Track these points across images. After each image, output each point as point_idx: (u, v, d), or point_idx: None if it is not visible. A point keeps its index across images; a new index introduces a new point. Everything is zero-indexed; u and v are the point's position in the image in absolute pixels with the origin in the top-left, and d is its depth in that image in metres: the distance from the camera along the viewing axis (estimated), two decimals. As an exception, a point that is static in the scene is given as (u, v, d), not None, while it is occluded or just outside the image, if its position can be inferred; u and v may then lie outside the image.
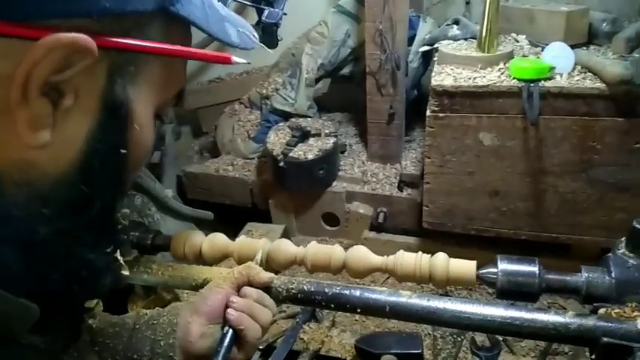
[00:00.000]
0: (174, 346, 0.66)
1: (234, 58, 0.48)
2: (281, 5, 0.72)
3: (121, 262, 0.56)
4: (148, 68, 0.47)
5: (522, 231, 1.46)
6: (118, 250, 0.56)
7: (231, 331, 0.65)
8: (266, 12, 0.74)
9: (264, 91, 2.10)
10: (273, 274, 0.75)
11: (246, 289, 0.69)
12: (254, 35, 0.55)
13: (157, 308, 0.75)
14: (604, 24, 1.39)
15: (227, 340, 0.64)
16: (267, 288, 0.73)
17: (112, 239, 0.55)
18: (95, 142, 0.44)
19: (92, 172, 0.45)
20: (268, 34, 0.72)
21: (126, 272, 0.57)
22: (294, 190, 1.86)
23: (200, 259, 0.87)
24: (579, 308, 1.56)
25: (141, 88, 0.47)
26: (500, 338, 1.19)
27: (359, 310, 0.76)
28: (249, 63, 0.51)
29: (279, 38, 0.73)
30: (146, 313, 0.73)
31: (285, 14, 0.77)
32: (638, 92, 1.14)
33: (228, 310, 0.66)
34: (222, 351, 0.63)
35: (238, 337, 0.66)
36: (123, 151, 0.47)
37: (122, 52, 0.43)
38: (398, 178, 1.82)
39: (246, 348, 0.67)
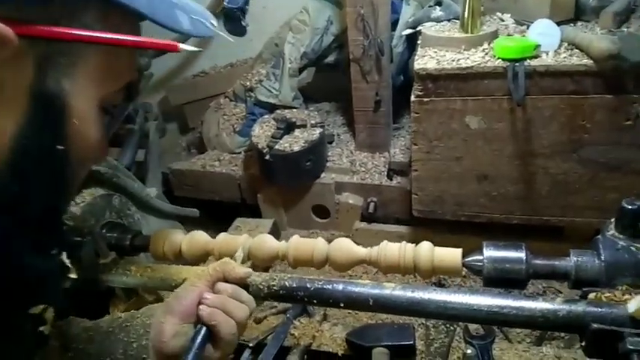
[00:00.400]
0: (147, 348, 0.64)
1: (182, 45, 0.45)
2: (245, -11, 0.69)
3: (68, 264, 0.52)
4: (85, 59, 0.44)
5: (513, 215, 1.43)
6: (64, 253, 0.52)
7: (204, 328, 0.62)
8: (228, -3, 0.70)
9: (248, 84, 2.06)
10: (249, 269, 0.73)
11: (220, 285, 0.67)
12: (211, 23, 0.52)
13: (132, 311, 0.72)
14: (591, -1, 1.35)
15: (199, 337, 0.61)
16: (246, 285, 0.70)
17: (57, 241, 0.51)
18: (25, 138, 0.41)
19: (25, 170, 0.42)
20: (233, 20, 0.68)
21: (73, 276, 0.54)
22: (281, 184, 1.84)
23: (180, 258, 0.84)
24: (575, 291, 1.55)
25: (78, 81, 0.44)
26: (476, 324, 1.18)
27: (342, 305, 0.74)
28: (200, 50, 0.47)
29: (244, 24, 0.69)
30: (120, 316, 0.71)
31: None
32: (626, 67, 1.11)
33: (200, 306, 0.63)
34: (194, 348, 0.60)
35: (213, 335, 0.63)
36: (60, 147, 0.44)
37: (51, 41, 0.40)
38: (387, 166, 1.80)
39: (222, 345, 0.64)
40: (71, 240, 0.60)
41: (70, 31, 0.40)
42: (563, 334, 1.37)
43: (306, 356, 1.16)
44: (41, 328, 0.56)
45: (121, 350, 0.65)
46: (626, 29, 1.29)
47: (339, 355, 1.16)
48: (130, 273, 0.84)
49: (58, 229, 0.51)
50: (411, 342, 1.14)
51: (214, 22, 0.53)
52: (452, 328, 1.25)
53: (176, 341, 0.62)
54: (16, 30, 0.36)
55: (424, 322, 1.33)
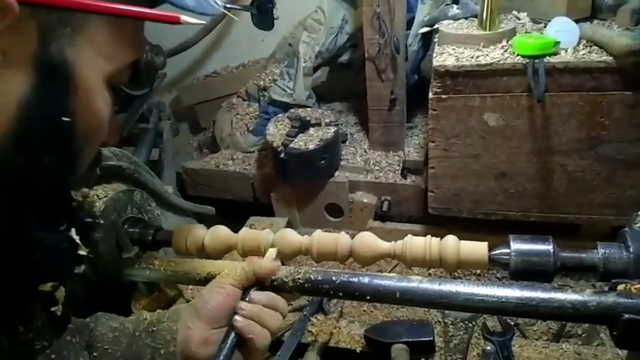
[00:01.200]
0: (174, 354, 0.63)
1: (184, 18, 0.44)
2: (275, -18, 0.69)
3: (77, 241, 0.52)
4: (88, 30, 0.43)
5: (530, 212, 1.43)
6: (73, 229, 0.51)
7: (232, 335, 0.61)
8: (259, -11, 0.71)
9: (262, 83, 2.07)
10: (278, 262, 0.73)
11: (255, 294, 0.66)
12: (216, 1, 0.51)
13: (157, 311, 0.72)
14: (607, -3, 1.35)
15: (227, 345, 0.60)
16: (274, 284, 0.70)
17: (65, 216, 0.51)
18: (31, 108, 0.41)
19: (31, 142, 0.42)
20: (263, 13, 0.68)
21: (83, 252, 0.54)
22: (296, 182, 1.84)
23: (203, 252, 0.85)
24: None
25: (82, 52, 0.43)
26: (512, 322, 1.17)
27: (368, 298, 0.74)
28: (203, 23, 0.46)
29: (275, 17, 0.69)
30: (146, 318, 0.70)
31: (281, -8, 0.73)
32: (647, 63, 1.11)
33: (236, 317, 0.62)
34: (222, 357, 0.59)
35: (245, 346, 0.62)
36: (66, 119, 0.43)
37: (52, 10, 0.40)
38: (401, 165, 1.80)
39: (254, 355, 0.63)
40: (81, 218, 0.59)
41: None
42: (580, 332, 1.36)
43: (323, 353, 1.16)
44: (53, 309, 0.54)
45: (149, 357, 0.64)
46: (644, 26, 1.28)
47: (358, 351, 1.15)
48: (154, 267, 0.85)
49: (67, 205, 0.51)
50: (431, 338, 1.14)
51: (219, 2, 0.51)
52: (470, 324, 1.25)
53: (206, 349, 0.61)
54: None
55: (441, 319, 1.33)
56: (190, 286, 1.16)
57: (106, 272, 0.83)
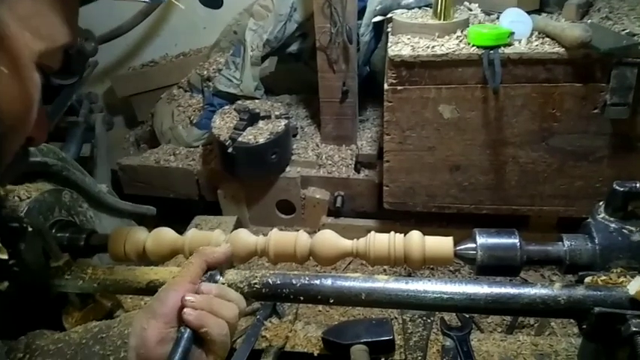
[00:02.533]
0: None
1: None
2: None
3: None
4: (13, 1, 0.40)
5: (483, 205, 1.44)
6: None
7: (188, 331, 0.57)
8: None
9: (205, 73, 1.96)
10: (229, 245, 0.69)
11: (204, 286, 0.62)
12: None
13: (106, 320, 0.65)
14: (555, -10, 1.38)
15: (183, 341, 0.56)
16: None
17: None
18: None
19: None
20: (210, -13, 0.61)
21: (3, 256, 0.47)
22: (245, 178, 1.76)
23: (144, 258, 0.78)
24: (540, 281, 1.59)
25: (7, 24, 0.40)
26: (468, 316, 1.17)
27: (332, 301, 0.70)
28: (145, 2, 0.41)
29: (224, -7, 0.62)
30: (95, 327, 0.64)
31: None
32: (595, 56, 1.13)
33: (185, 310, 0.58)
34: (178, 354, 0.55)
35: (203, 339, 0.58)
36: None
37: None
38: (354, 159, 1.77)
39: (214, 348, 0.59)
40: (3, 217, 0.52)
41: None
42: (532, 322, 1.39)
43: (279, 359, 1.11)
44: (29, 340, 0.48)
45: None
46: (588, 21, 1.32)
47: (315, 355, 1.11)
48: (87, 276, 0.76)
49: None
50: (391, 337, 1.11)
51: None
52: (429, 320, 1.23)
53: (162, 348, 0.57)
54: None
55: (398, 315, 1.31)
56: (130, 296, 1.07)
57: (31, 284, 0.75)
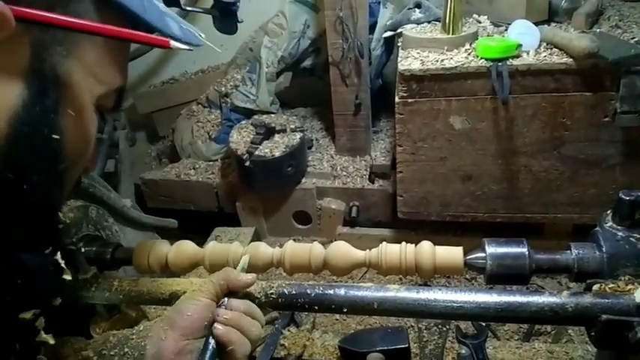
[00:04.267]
0: None
1: (173, 43, 0.45)
2: (238, -16, 0.66)
3: (62, 265, 0.49)
4: (81, 50, 0.44)
5: (497, 213, 1.45)
6: (59, 253, 0.50)
7: (212, 343, 0.58)
8: (222, -9, 0.67)
9: (223, 89, 2.02)
10: (254, 275, 0.69)
11: (233, 302, 0.63)
12: (200, 35, 0.54)
13: (125, 330, 0.68)
14: (563, 1, 1.39)
15: (208, 354, 0.58)
16: (249, 294, 0.68)
17: (50, 239, 0.50)
18: (20, 123, 0.41)
19: (19, 158, 0.42)
20: (227, 16, 0.65)
21: (68, 277, 0.51)
22: (262, 190, 1.80)
23: (167, 270, 0.80)
24: (557, 287, 1.58)
25: (75, 71, 0.44)
26: (484, 324, 1.18)
27: (345, 310, 0.72)
28: (190, 49, 0.49)
29: (239, 20, 0.66)
30: (114, 337, 0.66)
31: (244, -6, 0.70)
32: (604, 65, 1.14)
33: (216, 324, 0.59)
34: None
35: (225, 354, 0.59)
36: (55, 136, 0.44)
37: (46, 28, 0.40)
38: (368, 169, 1.79)
39: None
40: (64, 243, 0.56)
41: (64, 18, 0.39)
42: (550, 329, 1.39)
43: (298, 366, 1.12)
44: (38, 339, 0.52)
45: None
46: (597, 29, 1.33)
47: (332, 363, 1.12)
48: (113, 288, 0.79)
49: (53, 227, 0.50)
50: (406, 345, 1.12)
51: (202, 35, 0.54)
52: (444, 328, 1.24)
53: (179, 359, 0.58)
54: (14, 12, 0.36)
55: (414, 324, 1.32)
56: (154, 307, 1.10)
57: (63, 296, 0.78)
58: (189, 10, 0.74)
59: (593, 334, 0.66)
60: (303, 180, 1.80)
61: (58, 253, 0.50)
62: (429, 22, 1.46)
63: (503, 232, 1.52)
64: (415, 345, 1.18)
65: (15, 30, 0.37)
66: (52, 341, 0.53)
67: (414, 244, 0.75)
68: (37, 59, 0.41)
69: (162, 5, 0.51)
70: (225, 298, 0.64)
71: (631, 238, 0.68)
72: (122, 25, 0.44)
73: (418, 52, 1.31)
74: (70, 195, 0.57)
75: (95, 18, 0.44)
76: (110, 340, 0.65)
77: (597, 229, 0.72)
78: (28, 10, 0.37)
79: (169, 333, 0.59)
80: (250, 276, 0.68)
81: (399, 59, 1.32)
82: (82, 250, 0.81)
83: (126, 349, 0.61)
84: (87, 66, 0.45)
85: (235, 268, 0.71)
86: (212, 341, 0.58)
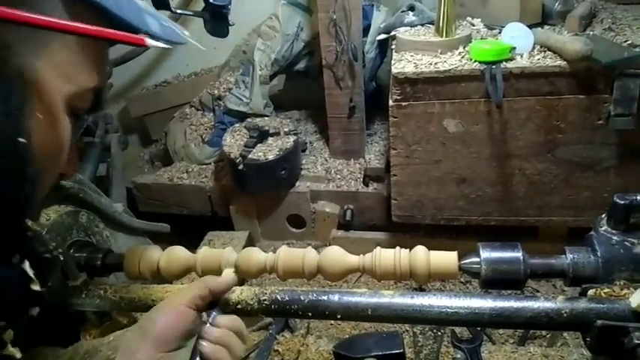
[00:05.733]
0: None
1: (149, 41, 0.42)
2: (229, -13, 0.65)
3: (31, 275, 0.47)
4: (49, 49, 0.42)
5: (491, 217, 1.44)
6: (27, 262, 0.48)
7: None
8: (213, -6, 0.66)
9: (216, 92, 2.01)
10: (234, 275, 0.70)
11: (221, 319, 0.61)
12: (183, 32, 0.51)
13: (95, 340, 0.66)
14: (557, 3, 1.39)
15: None
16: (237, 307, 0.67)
17: (18, 248, 0.47)
18: None
19: None
20: (218, 19, 0.64)
21: (36, 287, 0.48)
22: (255, 194, 1.79)
23: (158, 276, 0.80)
24: (552, 290, 1.58)
25: (42, 72, 0.42)
26: (479, 328, 1.17)
27: (339, 316, 0.71)
28: (169, 47, 0.46)
29: (230, 23, 0.66)
30: (82, 347, 0.64)
31: (235, -4, 0.69)
32: (597, 68, 1.14)
33: (202, 342, 0.57)
34: None
35: None
36: (21, 139, 0.41)
37: (10, 26, 0.38)
38: (363, 173, 1.78)
39: None
40: (37, 251, 0.54)
41: (27, 14, 0.37)
42: (545, 333, 1.39)
43: (292, 372, 1.11)
44: (5, 352, 0.48)
45: None
46: (591, 32, 1.33)
47: (327, 368, 1.11)
48: (104, 295, 0.78)
49: (21, 235, 0.48)
50: (401, 350, 1.12)
51: (186, 32, 0.51)
52: (439, 333, 1.23)
53: None
54: None
55: (409, 328, 1.31)
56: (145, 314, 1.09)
57: (51, 303, 0.74)
58: (180, 13, 0.73)
59: (588, 339, 0.65)
60: (297, 183, 1.80)
61: (26, 262, 0.47)
62: (422, 25, 1.46)
63: (497, 235, 1.53)
64: (410, 350, 1.18)
65: None
66: (18, 355, 0.50)
67: (408, 249, 0.74)
68: (1, 59, 0.39)
69: (142, 3, 0.49)
70: (214, 312, 0.62)
71: (626, 243, 0.68)
72: (95, 22, 0.41)
73: (412, 55, 1.31)
74: (51, 201, 0.54)
75: (64, 15, 0.42)
76: (78, 352, 0.62)
77: (592, 233, 0.72)
78: None
79: (141, 345, 0.55)
80: (230, 277, 0.67)
81: (393, 62, 1.31)
82: (73, 256, 0.80)
83: None
84: (56, 66, 0.43)
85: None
86: (197, 358, 0.57)
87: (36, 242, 0.51)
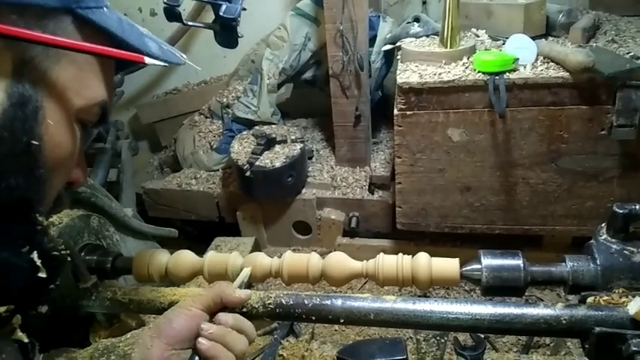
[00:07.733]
0: None
1: (148, 59, 0.49)
2: (239, 0, 0.68)
3: (38, 264, 0.52)
4: (59, 66, 0.47)
5: (495, 225, 1.45)
6: (35, 253, 0.52)
7: (197, 359, 0.58)
8: (223, 7, 0.69)
9: (225, 100, 2.04)
10: (249, 291, 0.69)
11: (221, 316, 0.63)
12: (182, 55, 0.57)
13: (114, 338, 0.67)
14: (560, 15, 1.41)
15: None
16: (243, 310, 0.68)
17: (28, 239, 0.51)
18: (0, 128, 0.44)
19: None
20: (227, 31, 0.67)
21: (43, 275, 0.53)
22: (262, 200, 1.81)
23: (166, 279, 0.81)
24: (555, 299, 1.58)
25: (53, 86, 0.47)
26: (482, 335, 1.17)
27: (342, 321, 0.72)
28: (166, 65, 0.52)
29: (239, 35, 0.68)
30: (102, 345, 0.65)
31: (245, 9, 0.72)
32: (600, 79, 1.15)
33: (199, 339, 0.59)
34: None
35: None
36: (34, 142, 0.46)
37: (27, 45, 0.43)
38: (368, 180, 1.80)
39: None
40: (46, 247, 0.57)
41: (43, 35, 0.43)
42: (548, 341, 1.39)
43: (296, 377, 1.12)
44: (13, 337, 0.53)
45: None
46: (594, 44, 1.35)
47: (331, 374, 1.12)
48: (113, 297, 0.80)
49: (31, 227, 0.51)
50: (404, 356, 1.12)
51: (184, 56, 0.58)
52: (443, 340, 1.24)
53: None
54: None
55: (412, 335, 1.32)
56: (153, 316, 1.11)
57: (61, 305, 0.78)
58: (191, 25, 0.76)
59: (587, 346, 0.66)
60: (304, 190, 1.81)
61: (35, 252, 0.52)
62: (427, 36, 1.48)
63: (502, 244, 1.53)
64: (413, 357, 1.19)
65: None
66: (25, 340, 0.54)
67: (410, 256, 0.75)
68: (17, 73, 0.44)
69: (143, 29, 0.55)
70: (220, 313, 0.64)
71: (625, 251, 0.69)
72: (102, 44, 0.48)
73: (417, 66, 1.33)
74: (66, 205, 0.60)
75: (75, 37, 0.48)
76: (98, 348, 0.64)
77: (592, 241, 0.73)
78: (9, 28, 0.40)
79: (156, 342, 0.59)
80: (245, 292, 0.67)
81: (398, 72, 1.33)
82: (84, 259, 0.82)
83: (113, 357, 0.61)
84: (65, 81, 0.48)
85: (234, 280, 0.72)
86: (196, 356, 0.58)
87: (45, 238, 0.54)
